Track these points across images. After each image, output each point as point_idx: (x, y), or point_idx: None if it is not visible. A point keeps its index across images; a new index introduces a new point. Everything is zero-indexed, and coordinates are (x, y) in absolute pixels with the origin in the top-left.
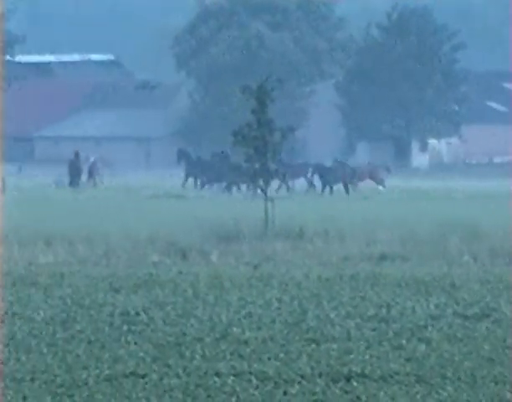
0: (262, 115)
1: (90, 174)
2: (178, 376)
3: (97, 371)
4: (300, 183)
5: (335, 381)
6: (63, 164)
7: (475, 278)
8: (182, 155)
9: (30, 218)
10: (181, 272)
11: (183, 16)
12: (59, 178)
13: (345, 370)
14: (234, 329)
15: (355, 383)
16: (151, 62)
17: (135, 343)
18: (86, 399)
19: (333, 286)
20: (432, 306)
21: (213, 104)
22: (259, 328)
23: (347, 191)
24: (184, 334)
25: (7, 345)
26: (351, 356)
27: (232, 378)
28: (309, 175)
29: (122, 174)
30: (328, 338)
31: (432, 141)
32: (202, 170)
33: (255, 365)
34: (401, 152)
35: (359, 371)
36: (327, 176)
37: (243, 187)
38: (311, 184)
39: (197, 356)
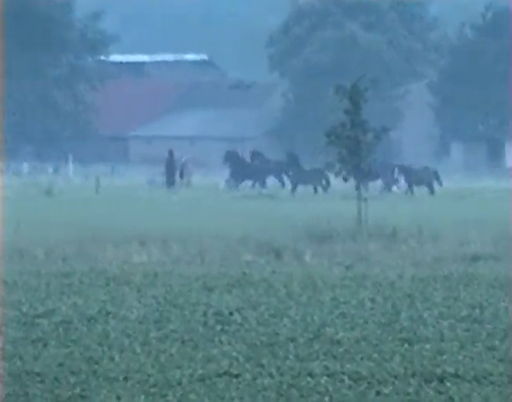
0: (355, 116)
1: (181, 174)
2: (271, 376)
3: (190, 371)
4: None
5: (428, 381)
6: (156, 164)
7: None
8: (230, 157)
9: (124, 217)
10: (274, 272)
11: (277, 16)
12: (153, 178)
13: (439, 371)
14: (327, 329)
15: (448, 384)
16: (244, 62)
17: (229, 343)
18: (179, 399)
19: (426, 287)
20: None
21: (307, 104)
22: (352, 328)
23: (432, 192)
24: (277, 334)
25: (100, 344)
26: (444, 356)
27: (325, 378)
28: (395, 175)
29: (215, 174)
30: (421, 339)
31: None
32: (244, 171)
33: (348, 365)
34: (495, 153)
35: (452, 371)
36: (412, 177)
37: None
38: (395, 184)
39: (290, 356)
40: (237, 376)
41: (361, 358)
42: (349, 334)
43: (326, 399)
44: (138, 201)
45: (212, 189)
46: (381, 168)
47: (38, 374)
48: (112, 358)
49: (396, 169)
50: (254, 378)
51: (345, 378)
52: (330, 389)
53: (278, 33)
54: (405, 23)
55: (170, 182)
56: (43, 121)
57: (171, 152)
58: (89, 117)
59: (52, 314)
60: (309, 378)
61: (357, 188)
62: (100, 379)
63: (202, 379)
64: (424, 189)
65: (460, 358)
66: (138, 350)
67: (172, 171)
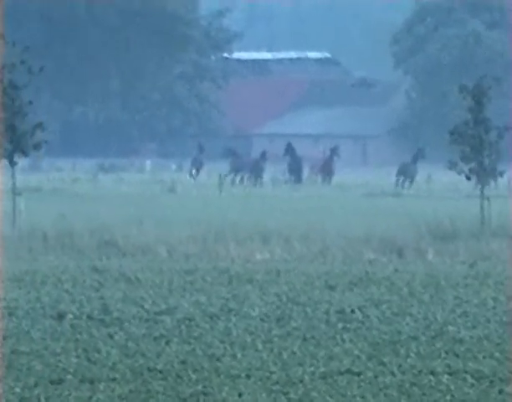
0: (478, 114)
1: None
2: (393, 374)
3: (312, 368)
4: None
5: None
6: (279, 162)
7: None
8: (229, 152)
9: (247, 215)
10: (396, 270)
11: (400, 13)
12: (275, 175)
13: None
14: (449, 328)
15: None
16: (367, 59)
17: (351, 341)
18: (301, 397)
19: None
20: None
21: (430, 102)
22: (474, 327)
23: None
24: (399, 332)
25: (222, 341)
26: None
27: (446, 376)
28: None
29: (339, 172)
30: None
31: None
32: (244, 166)
33: (470, 364)
34: None
35: None
36: None
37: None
38: None
39: (412, 354)
40: (358, 374)
41: (483, 357)
42: (471, 333)
43: (448, 397)
44: (260, 198)
45: (338, 187)
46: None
47: (161, 371)
48: (234, 356)
49: None
50: (376, 377)
51: (468, 376)
52: (452, 387)
53: (401, 32)
54: None
55: (297, 179)
56: (166, 119)
57: (291, 148)
58: (212, 115)
59: (174, 311)
60: (430, 377)
61: (481, 186)
62: (222, 377)
63: (323, 377)
64: None
65: None
66: (260, 347)
67: (298, 167)
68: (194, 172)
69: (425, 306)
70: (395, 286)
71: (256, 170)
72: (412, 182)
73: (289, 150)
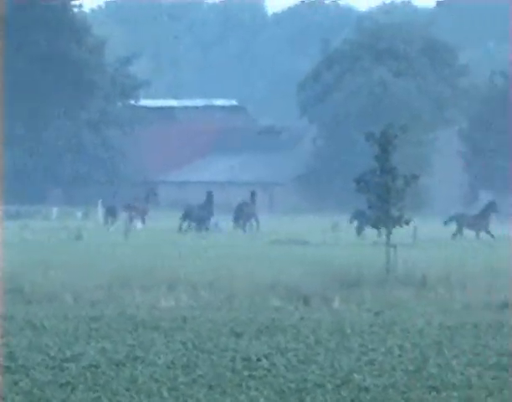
0: (385, 162)
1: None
2: None
3: None
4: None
5: None
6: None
7: None
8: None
9: (154, 262)
10: (302, 318)
11: (308, 61)
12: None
13: None
14: (355, 376)
15: None
16: (274, 107)
17: (257, 389)
18: None
19: (454, 334)
20: None
21: (337, 150)
22: (380, 375)
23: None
24: (305, 380)
25: (128, 389)
26: None
27: None
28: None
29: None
30: (449, 386)
31: None
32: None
33: None
34: None
35: None
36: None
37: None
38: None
39: None
40: None
41: None
42: (377, 381)
43: None
44: (168, 246)
45: (245, 235)
46: None
47: None
48: None
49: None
50: None
51: None
52: None
53: (308, 79)
54: (435, 70)
55: (204, 226)
56: (72, 165)
57: (211, 196)
58: (118, 162)
59: (80, 358)
60: None
61: (387, 234)
62: None
63: None
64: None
65: None
66: (166, 395)
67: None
68: (110, 219)
69: (331, 354)
70: (301, 334)
71: (203, 217)
72: None
73: (209, 197)
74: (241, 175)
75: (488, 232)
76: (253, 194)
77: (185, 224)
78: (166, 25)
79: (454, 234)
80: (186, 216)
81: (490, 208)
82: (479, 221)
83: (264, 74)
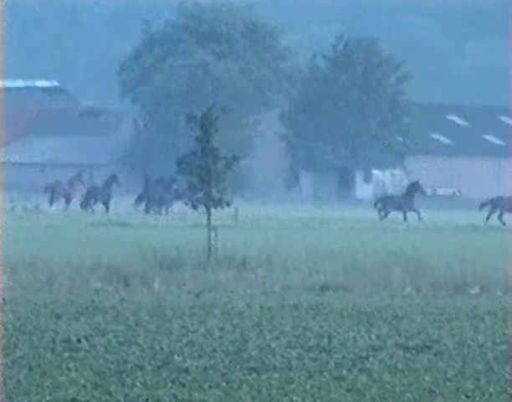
0: (206, 144)
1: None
2: None
3: (38, 397)
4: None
5: None
6: (7, 189)
7: (417, 309)
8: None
9: None
10: (123, 299)
11: (130, 43)
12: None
13: (286, 400)
14: (175, 357)
15: None
16: (97, 89)
17: (77, 370)
18: None
19: (275, 316)
20: (373, 337)
21: (158, 131)
22: (201, 357)
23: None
24: (125, 362)
25: None
26: (292, 386)
27: None
28: None
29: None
30: (269, 368)
31: (376, 172)
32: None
33: (196, 393)
34: (345, 183)
35: (299, 401)
36: None
37: None
38: None
39: (138, 384)
40: None
41: (209, 387)
42: (197, 362)
43: None
44: None
45: (67, 217)
46: None
47: None
48: None
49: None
50: None
51: None
52: None
53: (129, 61)
54: (257, 53)
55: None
56: None
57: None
58: None
59: None
60: None
61: (208, 216)
62: None
63: None
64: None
65: (308, 387)
66: None
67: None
68: None
69: (151, 336)
70: (121, 316)
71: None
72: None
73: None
74: (62, 157)
75: (415, 211)
76: (113, 177)
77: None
78: None
79: (381, 217)
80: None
81: (414, 188)
82: (405, 201)
83: (87, 56)
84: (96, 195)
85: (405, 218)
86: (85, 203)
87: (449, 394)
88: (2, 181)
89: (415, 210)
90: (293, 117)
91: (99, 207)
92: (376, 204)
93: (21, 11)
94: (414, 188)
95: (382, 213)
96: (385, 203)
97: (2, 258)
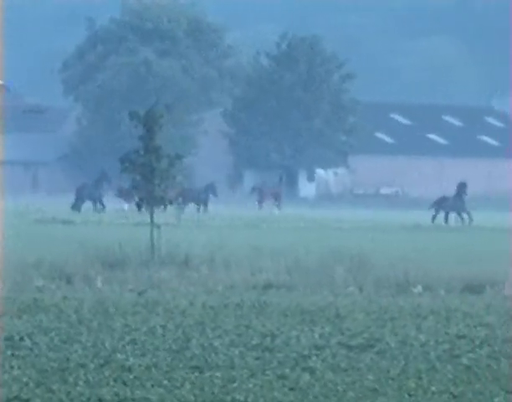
0: (149, 142)
1: None
2: (61, 401)
3: None
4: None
5: None
6: None
7: (360, 308)
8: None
9: None
10: (65, 297)
11: (73, 40)
12: None
13: (229, 398)
14: (118, 355)
15: None
16: (40, 86)
17: (19, 368)
18: None
19: (217, 314)
20: (316, 336)
21: (101, 129)
22: (143, 355)
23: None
24: (68, 360)
25: None
26: (235, 384)
27: None
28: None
29: (9, 198)
30: (212, 366)
31: (320, 171)
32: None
33: (138, 392)
34: (289, 181)
35: (242, 399)
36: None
37: None
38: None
39: (81, 382)
40: (27, 401)
41: (152, 385)
42: (139, 361)
43: None
44: None
45: (8, 214)
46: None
47: None
48: None
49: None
50: None
51: None
52: None
53: (72, 58)
54: (200, 51)
55: None
56: None
57: None
58: None
59: None
60: None
61: (151, 214)
62: None
63: None
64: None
65: (250, 386)
66: None
67: None
68: None
69: (94, 334)
70: (63, 314)
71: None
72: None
73: None
74: (6, 154)
75: (468, 213)
76: (103, 175)
77: None
78: None
79: (433, 219)
80: None
81: (462, 189)
82: (457, 203)
83: (31, 53)
84: (87, 194)
85: (462, 219)
86: (76, 204)
87: (392, 392)
88: None
89: (468, 212)
90: (236, 115)
91: (88, 205)
92: (432, 206)
93: None
94: (462, 189)
95: (436, 215)
96: (439, 204)
97: None
